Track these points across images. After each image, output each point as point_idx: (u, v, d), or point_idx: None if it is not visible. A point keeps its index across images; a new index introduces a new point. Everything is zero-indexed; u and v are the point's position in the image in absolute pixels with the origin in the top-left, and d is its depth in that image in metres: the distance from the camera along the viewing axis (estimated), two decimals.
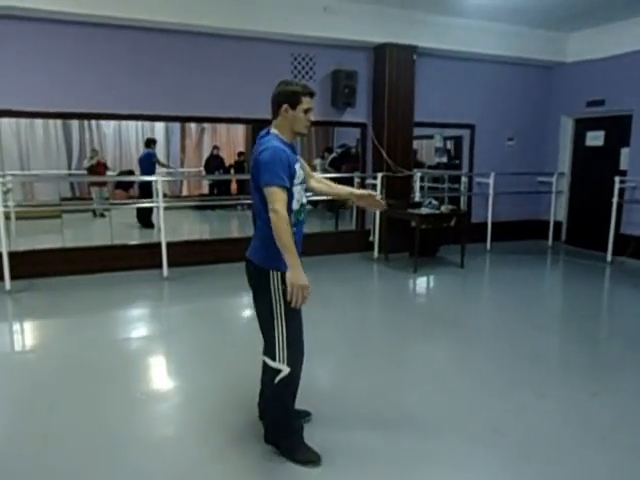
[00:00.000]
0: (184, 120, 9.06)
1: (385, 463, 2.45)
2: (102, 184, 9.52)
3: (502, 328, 4.45)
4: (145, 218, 8.67)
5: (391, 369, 3.56)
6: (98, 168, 9.39)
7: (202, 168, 11.34)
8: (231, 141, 12.51)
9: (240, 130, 12.33)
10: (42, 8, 5.15)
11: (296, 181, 2.31)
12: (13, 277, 5.19)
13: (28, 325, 4.60)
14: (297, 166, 2.33)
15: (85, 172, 9.56)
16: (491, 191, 7.47)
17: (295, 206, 2.34)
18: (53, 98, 5.60)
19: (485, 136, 7.74)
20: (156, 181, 6.15)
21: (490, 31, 7.04)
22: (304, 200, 2.42)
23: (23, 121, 9.76)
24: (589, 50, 7.35)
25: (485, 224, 7.52)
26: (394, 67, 6.64)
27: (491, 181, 7.45)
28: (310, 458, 2.42)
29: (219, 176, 11.05)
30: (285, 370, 2.34)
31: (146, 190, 8.35)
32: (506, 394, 3.18)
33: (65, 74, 5.62)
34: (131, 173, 10.05)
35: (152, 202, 7.17)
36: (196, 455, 2.50)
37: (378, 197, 2.70)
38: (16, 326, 4.64)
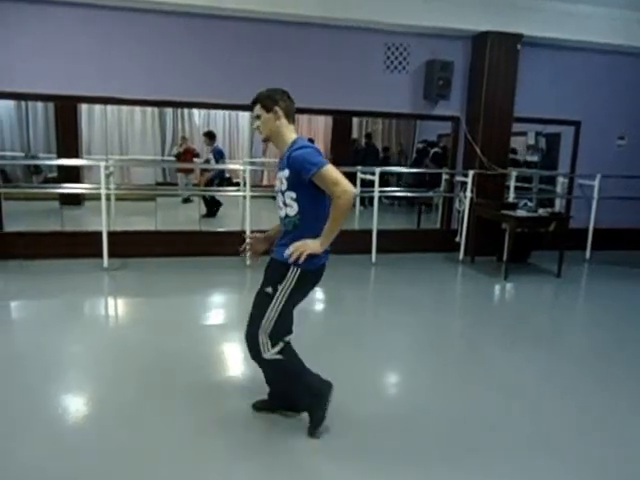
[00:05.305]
0: None
1: None
2: (189, 171, 9.72)
3: (604, 347, 3.99)
4: (212, 207, 8.59)
5: (478, 386, 3.28)
6: (186, 155, 9.58)
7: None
8: (312, 133, 12.43)
9: (321, 121, 12.19)
10: None
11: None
12: (110, 255, 5.46)
13: (122, 301, 4.91)
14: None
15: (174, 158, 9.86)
16: (595, 195, 6.82)
17: None
18: (149, 86, 5.78)
19: (591, 134, 7.07)
20: (244, 170, 6.15)
21: (602, 18, 6.35)
22: (280, 211, 2.43)
23: (125, 109, 10.32)
24: None
25: (584, 230, 6.88)
26: (495, 57, 6.19)
27: (596, 184, 6.79)
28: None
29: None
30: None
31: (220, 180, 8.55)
32: (613, 421, 2.81)
33: (162, 64, 5.77)
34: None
35: (238, 190, 7.20)
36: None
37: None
38: (112, 302, 4.95)
